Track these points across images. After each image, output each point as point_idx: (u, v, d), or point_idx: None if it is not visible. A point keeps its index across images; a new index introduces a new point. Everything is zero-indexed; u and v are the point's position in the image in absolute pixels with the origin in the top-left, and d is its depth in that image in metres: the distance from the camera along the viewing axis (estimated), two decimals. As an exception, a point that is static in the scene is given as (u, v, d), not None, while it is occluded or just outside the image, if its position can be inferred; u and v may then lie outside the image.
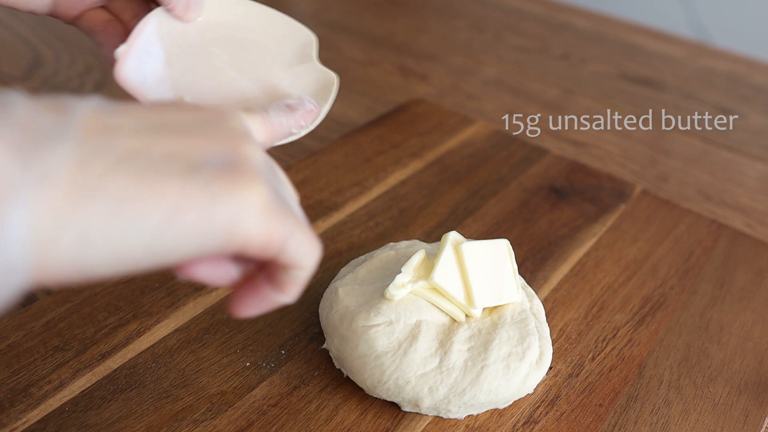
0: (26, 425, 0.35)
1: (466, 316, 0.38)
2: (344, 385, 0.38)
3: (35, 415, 0.36)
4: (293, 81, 0.38)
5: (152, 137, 0.23)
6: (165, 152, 0.22)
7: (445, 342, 0.37)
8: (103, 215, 0.20)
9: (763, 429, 0.37)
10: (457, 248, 0.39)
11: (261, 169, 0.25)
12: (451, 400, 0.35)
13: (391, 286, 0.37)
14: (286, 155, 0.64)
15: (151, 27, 0.34)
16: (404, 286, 0.38)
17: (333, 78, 0.39)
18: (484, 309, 0.39)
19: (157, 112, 0.24)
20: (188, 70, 0.35)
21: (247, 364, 0.39)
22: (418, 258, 0.39)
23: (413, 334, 0.37)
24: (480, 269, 0.39)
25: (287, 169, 0.57)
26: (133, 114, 0.23)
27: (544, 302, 0.44)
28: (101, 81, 0.76)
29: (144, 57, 0.33)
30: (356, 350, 0.37)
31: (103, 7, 0.38)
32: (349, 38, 0.90)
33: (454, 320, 0.38)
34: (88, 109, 0.22)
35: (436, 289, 0.38)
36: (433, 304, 0.38)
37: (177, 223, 0.22)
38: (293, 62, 0.39)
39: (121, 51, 0.33)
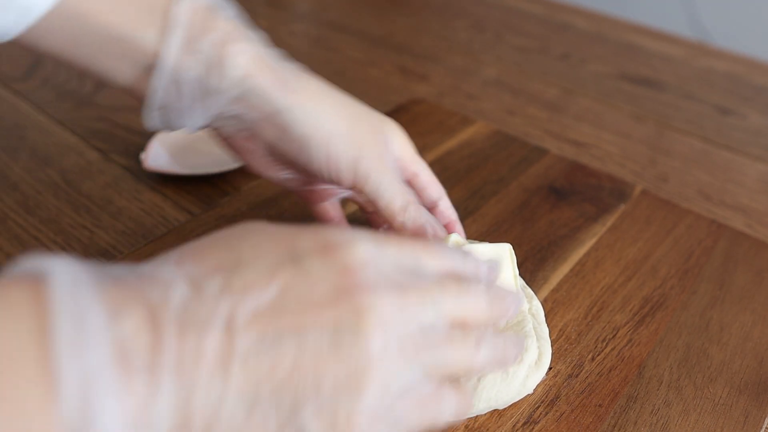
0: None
1: None
2: (344, 386, 0.38)
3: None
4: None
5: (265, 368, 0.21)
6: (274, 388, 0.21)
7: None
8: None
9: (763, 429, 0.37)
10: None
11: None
12: None
13: None
14: (285, 155, 0.64)
15: (156, 142, 0.59)
16: None
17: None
18: None
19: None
20: (183, 155, 0.59)
21: (247, 364, 0.39)
22: None
23: None
24: None
25: (287, 169, 0.57)
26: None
27: (544, 302, 0.44)
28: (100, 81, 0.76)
29: (155, 156, 0.58)
30: None
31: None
32: (349, 38, 0.90)
33: None
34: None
35: None
36: None
37: None
38: None
39: (143, 156, 0.57)
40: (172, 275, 0.22)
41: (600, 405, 0.38)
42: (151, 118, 0.36)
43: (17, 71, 0.78)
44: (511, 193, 0.55)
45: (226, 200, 0.53)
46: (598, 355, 0.41)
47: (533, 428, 0.36)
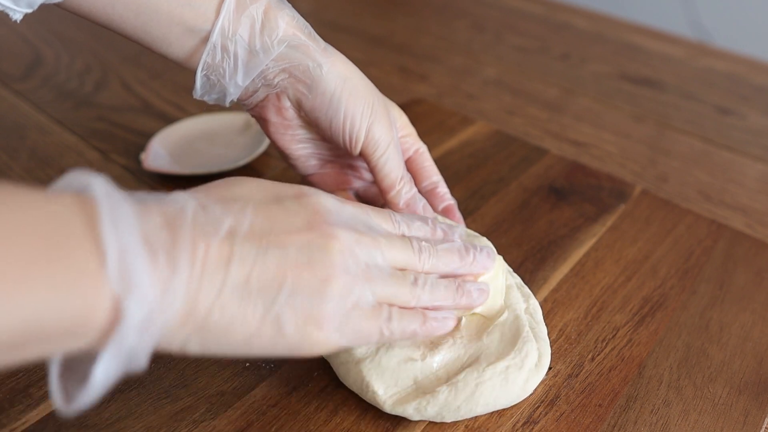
0: (26, 425, 0.35)
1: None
2: (343, 386, 0.38)
3: (35, 415, 0.36)
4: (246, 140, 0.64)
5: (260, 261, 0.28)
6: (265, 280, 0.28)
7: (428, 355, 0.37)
8: (207, 338, 0.27)
9: (763, 429, 0.37)
10: None
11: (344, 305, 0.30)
12: (445, 416, 0.35)
13: None
14: (285, 155, 0.64)
15: (156, 142, 0.61)
16: None
17: None
18: (473, 316, 0.38)
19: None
20: (184, 155, 0.61)
21: (247, 364, 0.39)
22: None
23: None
24: None
25: (286, 169, 0.57)
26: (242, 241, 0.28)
27: (544, 302, 0.44)
28: (101, 80, 0.76)
29: (155, 156, 0.60)
30: (338, 356, 0.37)
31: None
32: (349, 38, 0.90)
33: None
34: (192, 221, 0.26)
35: None
36: None
37: (253, 344, 0.28)
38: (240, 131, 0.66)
39: (143, 156, 0.59)
40: (184, 198, 0.27)
41: (600, 405, 0.38)
42: (198, 80, 0.41)
43: (17, 71, 0.78)
44: (511, 193, 0.55)
45: (226, 200, 0.53)
46: (598, 355, 0.41)
47: (533, 428, 0.36)
